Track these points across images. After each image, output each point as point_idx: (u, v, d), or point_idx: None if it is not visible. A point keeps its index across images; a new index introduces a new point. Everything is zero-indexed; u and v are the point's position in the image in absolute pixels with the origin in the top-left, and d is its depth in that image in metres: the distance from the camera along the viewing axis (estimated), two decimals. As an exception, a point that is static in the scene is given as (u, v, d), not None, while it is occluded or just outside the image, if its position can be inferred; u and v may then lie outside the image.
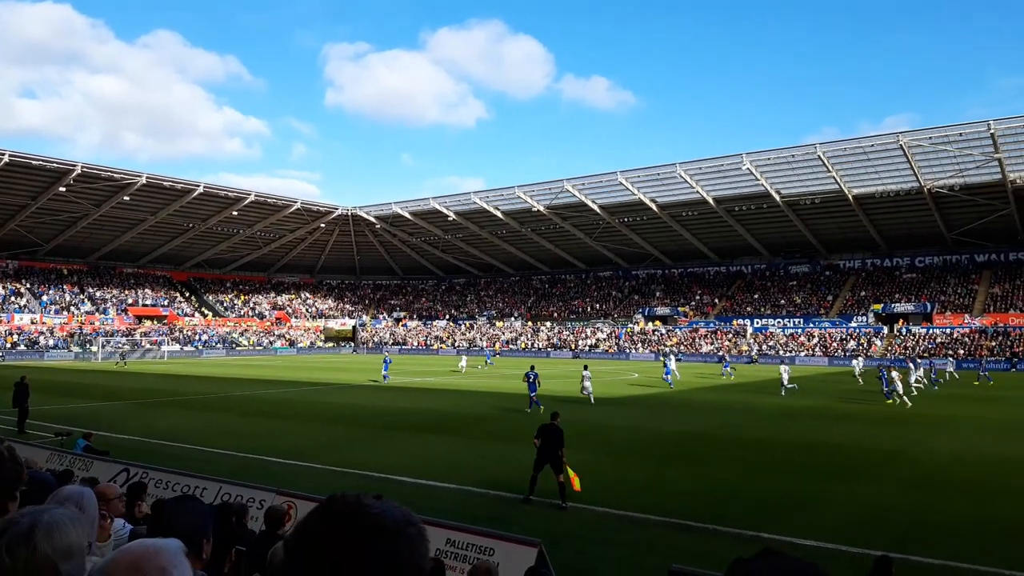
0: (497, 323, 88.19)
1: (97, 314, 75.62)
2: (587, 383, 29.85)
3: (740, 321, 73.53)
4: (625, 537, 10.98)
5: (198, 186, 70.62)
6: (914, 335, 63.67)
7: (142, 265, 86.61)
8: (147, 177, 66.94)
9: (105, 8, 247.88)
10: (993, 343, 59.06)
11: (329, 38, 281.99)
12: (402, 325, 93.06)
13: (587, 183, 69.66)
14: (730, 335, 71.88)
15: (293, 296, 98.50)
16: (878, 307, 68.06)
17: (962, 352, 58.91)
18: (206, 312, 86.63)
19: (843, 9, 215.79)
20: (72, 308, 75.04)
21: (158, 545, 1.72)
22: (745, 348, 68.36)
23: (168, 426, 22.05)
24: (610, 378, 44.90)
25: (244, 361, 65.39)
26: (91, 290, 79.57)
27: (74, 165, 62.33)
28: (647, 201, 69.17)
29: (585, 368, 31.77)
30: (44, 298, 74.69)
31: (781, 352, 66.33)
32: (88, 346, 68.26)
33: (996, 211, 60.56)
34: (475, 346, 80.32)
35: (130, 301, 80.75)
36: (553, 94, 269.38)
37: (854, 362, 48.01)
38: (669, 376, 38.94)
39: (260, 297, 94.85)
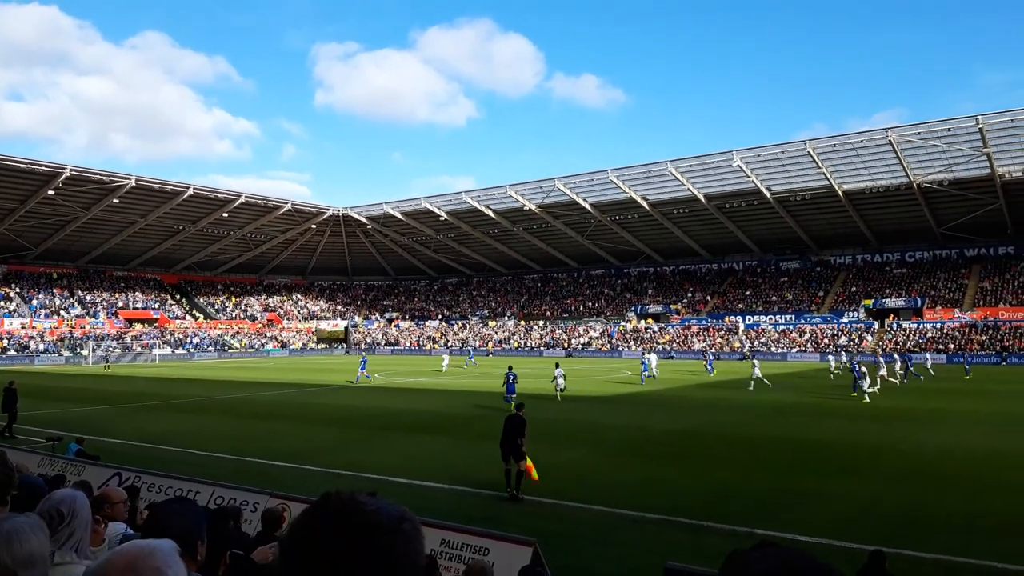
0: (490, 323, 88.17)
1: (87, 318, 75.21)
2: (560, 380, 30.87)
3: (732, 318, 73.75)
4: (621, 535, 11.00)
5: (188, 188, 70.33)
6: (905, 330, 64.00)
7: (132, 268, 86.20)
8: (136, 179, 66.61)
9: (92, 9, 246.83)
10: (983, 337, 59.42)
11: (318, 38, 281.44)
12: (394, 326, 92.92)
13: (578, 181, 69.73)
14: (722, 332, 72.08)
15: (285, 298, 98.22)
16: (869, 302, 68.38)
17: (952, 346, 59.28)
18: (197, 315, 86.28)
19: (832, 6, 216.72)
20: (62, 312, 74.62)
21: (152, 546, 1.71)
22: (737, 345, 68.55)
23: (161, 430, 21.95)
24: (603, 376, 44.90)
25: (236, 363, 65.17)
26: (81, 294, 79.14)
27: (63, 168, 61.98)
28: (638, 199, 69.30)
29: (557, 366, 32.61)
30: (34, 302, 74.24)
31: (773, 348, 66.60)
32: (79, 350, 67.88)
33: (985, 205, 60.93)
34: (468, 346, 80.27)
35: (120, 304, 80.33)
36: (543, 92, 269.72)
37: (830, 358, 48.44)
38: (646, 372, 39.50)
39: (251, 299, 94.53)
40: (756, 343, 68.36)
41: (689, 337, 72.37)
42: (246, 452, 17.80)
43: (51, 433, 18.20)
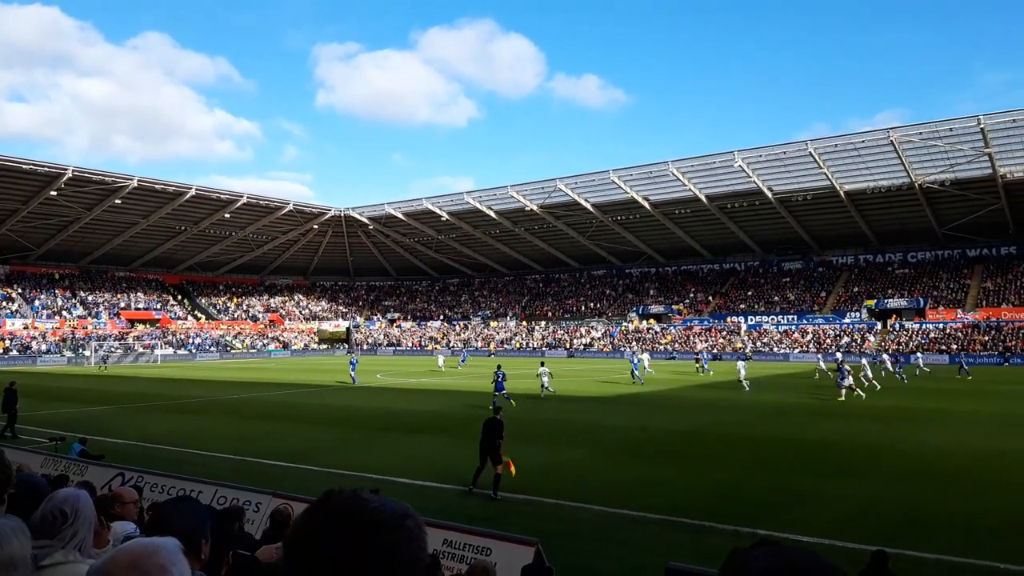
0: (492, 323, 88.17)
1: (89, 318, 75.30)
2: (544, 379, 31.60)
3: (734, 318, 73.70)
4: (622, 535, 11.00)
5: (190, 188, 70.41)
6: (907, 330, 63.93)
7: (134, 269, 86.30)
8: (138, 180, 66.71)
9: (93, 10, 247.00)
10: (986, 338, 59.35)
11: (319, 38, 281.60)
12: (396, 326, 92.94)
13: (580, 182, 69.73)
14: (724, 333, 72.04)
15: (286, 298, 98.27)
16: (871, 303, 68.30)
17: (955, 347, 59.21)
18: (199, 315, 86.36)
19: (833, 7, 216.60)
20: (64, 313, 74.71)
21: (156, 544, 1.73)
22: (739, 345, 68.51)
23: (163, 430, 21.99)
24: (604, 377, 44.90)
25: (238, 364, 65.22)
26: (83, 294, 79.23)
27: (65, 169, 62.08)
28: (640, 199, 69.28)
29: (542, 364, 33.24)
30: (36, 303, 74.35)
31: (775, 349, 66.55)
32: (81, 351, 67.96)
33: (987, 206, 60.85)
34: (470, 346, 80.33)
35: (122, 305, 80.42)
36: (544, 93, 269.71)
37: (818, 358, 48.55)
38: (636, 371, 39.89)
39: (253, 300, 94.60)
40: (758, 343, 68.32)
41: (691, 338, 72.32)
42: (248, 452, 17.83)
43: (54, 433, 18.23)
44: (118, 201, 68.40)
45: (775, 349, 66.45)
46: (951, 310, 64.14)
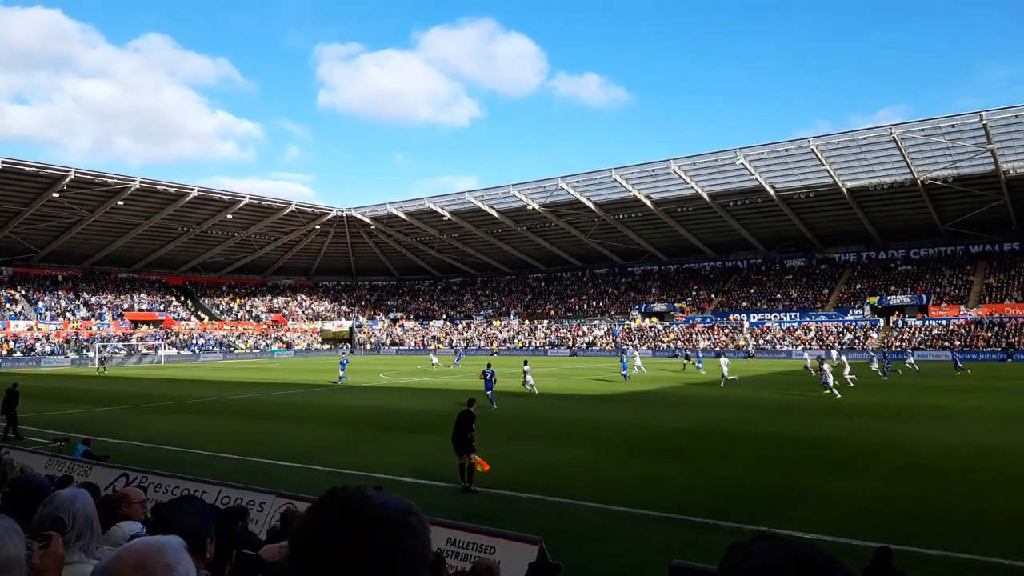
0: (494, 322, 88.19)
1: (93, 320, 75.43)
2: (528, 377, 32.02)
3: (737, 316, 73.65)
4: (624, 533, 11.01)
5: (192, 190, 70.49)
6: (910, 327, 63.84)
7: (137, 270, 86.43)
8: (140, 181, 66.79)
9: (95, 12, 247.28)
10: (989, 334, 59.25)
11: (320, 39, 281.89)
12: (399, 326, 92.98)
13: (582, 180, 69.70)
14: (727, 330, 71.99)
15: (289, 298, 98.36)
16: (874, 299, 68.23)
17: (958, 343, 59.14)
18: (202, 316, 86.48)
19: (834, 3, 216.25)
20: (67, 314, 74.85)
21: (161, 542, 1.74)
22: (742, 343, 68.47)
23: (167, 430, 22.02)
24: (606, 375, 44.91)
25: (241, 364, 65.31)
26: (86, 296, 79.36)
27: (67, 171, 62.17)
28: (642, 197, 69.24)
29: (526, 363, 33.43)
30: (39, 304, 74.49)
31: (778, 346, 66.48)
32: (85, 352, 68.08)
33: (990, 202, 60.75)
34: (472, 345, 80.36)
35: (126, 306, 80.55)
36: (546, 92, 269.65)
37: (806, 355, 48.62)
38: (625, 370, 40.25)
39: (256, 300, 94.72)
40: (761, 341, 68.27)
41: (694, 335, 72.28)
42: (252, 452, 17.86)
43: (58, 434, 18.27)
44: (120, 203, 68.50)
45: (778, 347, 66.37)
46: (954, 306, 64.04)
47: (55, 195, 64.24)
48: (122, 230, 75.84)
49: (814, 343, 65.30)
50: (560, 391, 34.49)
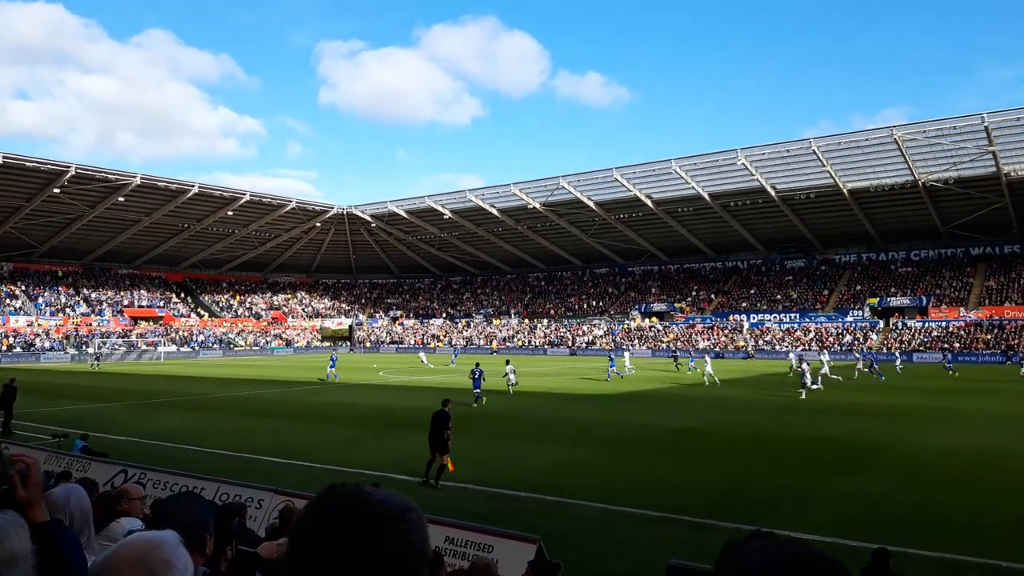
0: (494, 321, 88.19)
1: (93, 316, 75.43)
2: (511, 376, 32.20)
3: (736, 316, 73.64)
4: (623, 533, 11.01)
5: (193, 186, 70.46)
6: (910, 329, 63.84)
7: (137, 266, 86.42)
8: (141, 178, 66.77)
9: (97, 8, 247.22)
10: (988, 336, 59.25)
11: (323, 36, 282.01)
12: (399, 324, 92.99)
13: (583, 180, 69.67)
14: (727, 331, 71.99)
15: (289, 296, 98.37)
16: (874, 301, 68.22)
17: (958, 345, 59.14)
18: (202, 313, 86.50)
19: (837, 3, 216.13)
20: (67, 310, 74.86)
21: (158, 538, 1.73)
22: (742, 343, 68.47)
23: (166, 427, 22.02)
24: (605, 375, 44.87)
25: (241, 361, 65.29)
26: (86, 292, 79.37)
27: (68, 166, 62.16)
28: (643, 197, 69.22)
29: (508, 363, 33.68)
30: (39, 300, 74.49)
31: (777, 347, 66.46)
32: (84, 348, 68.09)
33: (990, 204, 60.72)
34: (472, 344, 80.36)
35: (126, 302, 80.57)
36: (548, 91, 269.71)
37: (791, 355, 48.80)
38: (612, 369, 40.54)
39: (256, 297, 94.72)
40: (760, 342, 68.28)
41: (694, 336, 72.28)
42: (251, 449, 17.86)
43: (56, 430, 18.28)
44: (121, 199, 68.47)
45: (777, 347, 66.35)
46: (954, 308, 64.03)
47: (56, 191, 64.22)
48: (123, 226, 75.82)
49: (814, 344, 65.31)
50: (560, 391, 34.51)
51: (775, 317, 71.71)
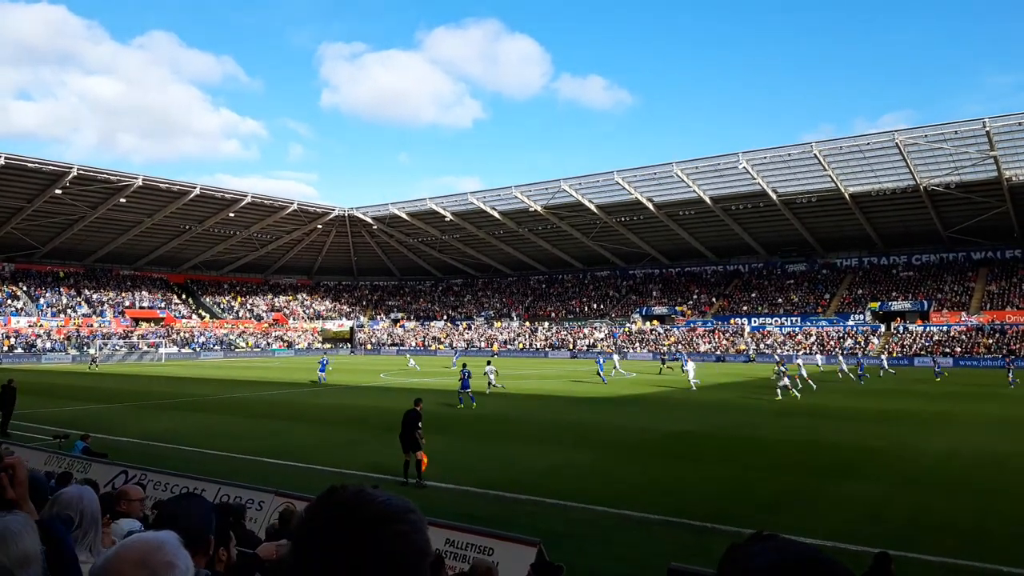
0: (495, 323, 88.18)
1: (94, 317, 75.49)
2: (491, 376, 32.72)
3: (737, 320, 73.60)
4: (625, 536, 11.00)
5: (194, 188, 70.51)
6: (911, 333, 63.79)
7: (139, 267, 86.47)
8: (143, 179, 66.83)
9: (100, 9, 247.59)
10: (990, 341, 59.18)
11: (325, 38, 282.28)
12: (400, 326, 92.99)
13: (584, 183, 69.68)
14: (728, 334, 71.94)
15: (290, 298, 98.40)
16: (875, 305, 68.17)
17: (959, 350, 59.08)
18: (203, 314, 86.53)
19: (839, 7, 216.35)
20: (69, 311, 74.90)
21: (160, 539, 1.73)
22: (743, 347, 68.42)
23: (167, 428, 22.02)
24: (609, 378, 44.86)
25: (242, 363, 65.31)
26: (88, 292, 79.43)
27: (70, 167, 62.22)
28: (644, 200, 69.23)
29: (488, 363, 34.26)
30: (41, 301, 74.55)
31: (779, 351, 66.38)
32: (86, 349, 68.12)
33: (992, 209, 60.70)
34: (473, 346, 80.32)
35: (127, 303, 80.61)
36: (550, 93, 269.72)
37: (776, 358, 48.89)
38: (601, 372, 40.96)
39: (257, 299, 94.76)
40: (761, 345, 68.22)
41: (695, 339, 72.24)
42: (251, 451, 17.85)
43: (57, 431, 18.28)
44: (123, 200, 68.52)
45: (778, 351, 66.24)
46: (955, 313, 64.00)
47: (58, 192, 64.27)
48: (124, 227, 75.87)
49: (814, 348, 65.27)
50: (560, 393, 34.49)
51: (776, 321, 71.66)
